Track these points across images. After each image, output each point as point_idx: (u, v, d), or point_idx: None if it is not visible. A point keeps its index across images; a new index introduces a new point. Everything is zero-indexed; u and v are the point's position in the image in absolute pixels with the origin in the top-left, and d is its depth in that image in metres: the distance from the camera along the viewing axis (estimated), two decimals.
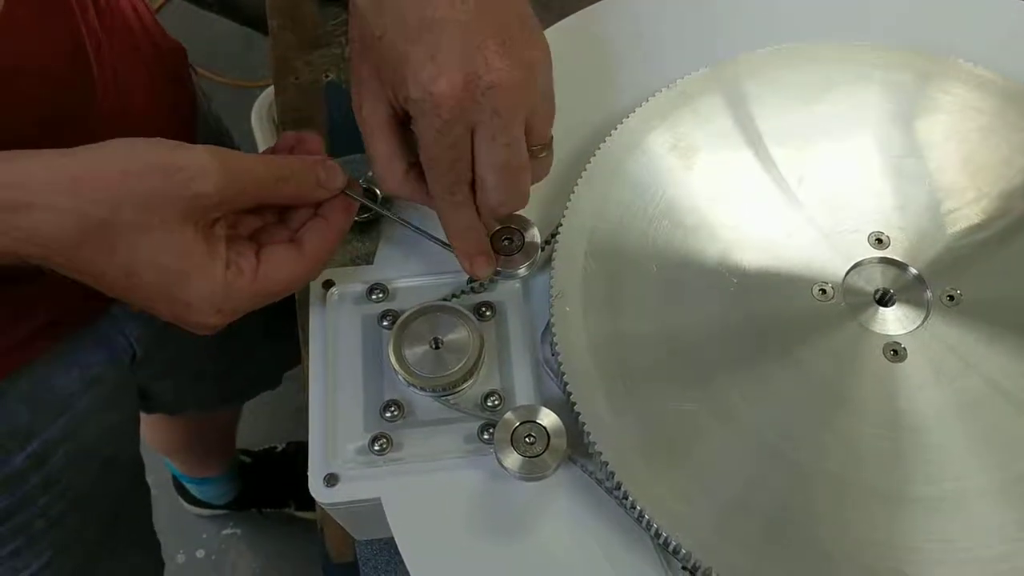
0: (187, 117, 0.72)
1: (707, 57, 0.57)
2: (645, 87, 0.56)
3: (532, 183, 0.47)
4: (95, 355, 0.69)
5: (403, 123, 0.46)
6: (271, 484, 1.43)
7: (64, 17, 0.53)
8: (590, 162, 0.53)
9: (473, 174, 0.45)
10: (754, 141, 0.54)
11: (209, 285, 0.42)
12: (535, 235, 0.51)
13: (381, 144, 0.47)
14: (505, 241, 0.51)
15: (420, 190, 0.48)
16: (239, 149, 0.83)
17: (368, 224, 0.58)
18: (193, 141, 0.70)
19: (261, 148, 1.05)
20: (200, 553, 1.45)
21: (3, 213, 0.38)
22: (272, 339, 0.85)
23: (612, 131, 0.54)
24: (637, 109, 0.55)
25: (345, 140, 0.70)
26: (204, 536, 1.46)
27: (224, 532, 1.47)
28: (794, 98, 0.56)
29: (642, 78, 0.58)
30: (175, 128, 0.69)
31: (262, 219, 0.48)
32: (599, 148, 0.53)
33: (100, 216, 0.39)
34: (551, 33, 0.61)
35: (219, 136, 0.79)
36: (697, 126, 0.54)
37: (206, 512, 1.45)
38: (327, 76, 0.74)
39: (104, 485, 0.76)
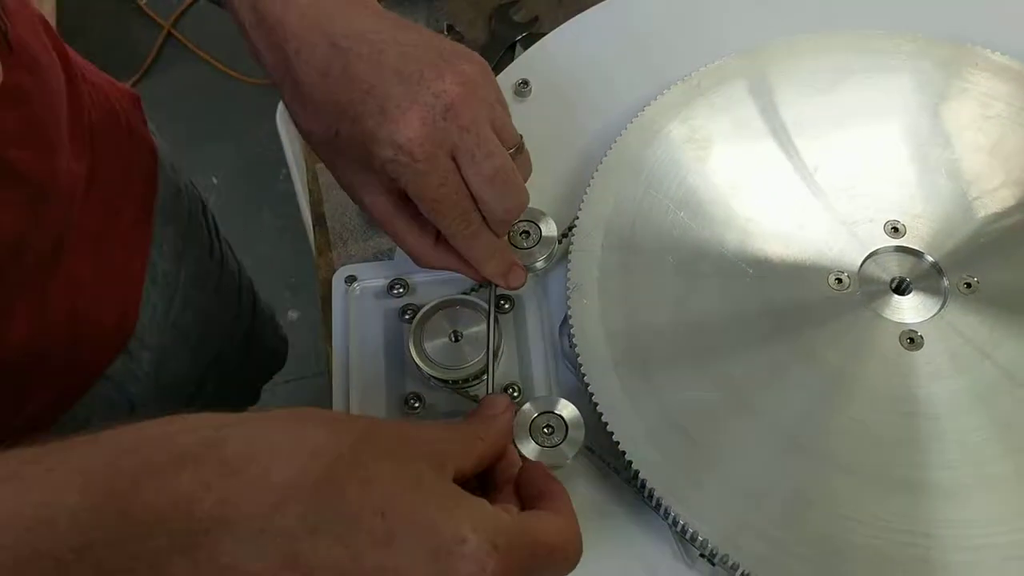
0: (152, 171, 0.70)
1: (722, 49, 0.57)
2: (660, 80, 0.56)
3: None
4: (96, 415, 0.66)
5: (405, 198, 0.46)
6: None
7: (55, 89, 0.54)
8: (606, 155, 0.53)
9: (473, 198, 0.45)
10: (770, 131, 0.54)
11: (480, 508, 0.34)
12: (552, 229, 0.52)
13: (400, 228, 0.48)
14: (523, 235, 0.52)
15: (452, 256, 0.48)
16: (200, 193, 0.80)
17: None
18: (156, 196, 0.68)
19: (286, 147, 1.06)
20: None
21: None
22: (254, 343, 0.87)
23: (628, 124, 0.54)
24: (653, 102, 0.55)
25: None
26: None
27: None
28: (810, 87, 0.56)
29: (657, 71, 0.58)
30: (140, 187, 0.68)
31: None
32: (615, 141, 0.54)
33: (351, 440, 0.33)
34: (565, 29, 0.62)
35: (176, 186, 0.74)
36: (712, 118, 0.54)
37: None
38: None
39: None
